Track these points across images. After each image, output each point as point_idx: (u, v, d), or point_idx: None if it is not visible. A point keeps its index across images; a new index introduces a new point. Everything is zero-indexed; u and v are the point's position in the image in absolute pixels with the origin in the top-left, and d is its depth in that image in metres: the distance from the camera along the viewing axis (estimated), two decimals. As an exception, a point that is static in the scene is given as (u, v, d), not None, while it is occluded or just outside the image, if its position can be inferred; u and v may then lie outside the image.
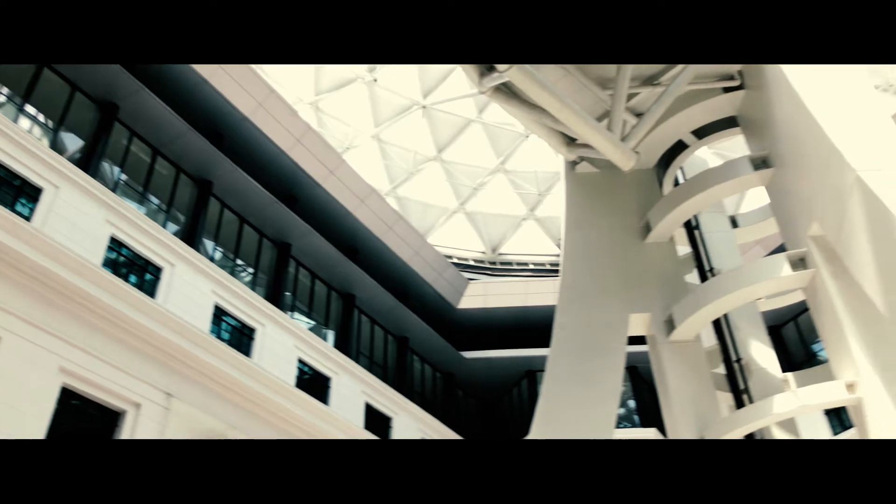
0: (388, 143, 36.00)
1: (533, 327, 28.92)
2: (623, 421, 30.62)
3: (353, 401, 22.91)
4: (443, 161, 37.06)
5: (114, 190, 18.14)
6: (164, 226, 19.14)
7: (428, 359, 29.52)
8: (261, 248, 23.01)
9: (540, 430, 11.52)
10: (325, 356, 22.45)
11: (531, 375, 30.01)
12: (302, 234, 23.55)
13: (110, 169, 18.85)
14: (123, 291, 15.36)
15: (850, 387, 8.98)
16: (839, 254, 9.44)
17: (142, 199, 19.39)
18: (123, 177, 19.11)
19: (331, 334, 25.02)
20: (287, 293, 23.53)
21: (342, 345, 24.43)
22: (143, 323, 15.67)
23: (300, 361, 21.50)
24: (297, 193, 23.78)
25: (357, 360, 24.39)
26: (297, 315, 23.85)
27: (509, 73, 10.21)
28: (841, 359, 9.35)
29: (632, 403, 30.89)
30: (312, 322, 24.56)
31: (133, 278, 17.12)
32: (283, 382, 18.96)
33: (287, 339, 21.10)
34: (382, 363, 26.91)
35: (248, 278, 22.47)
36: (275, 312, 20.78)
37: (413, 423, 25.49)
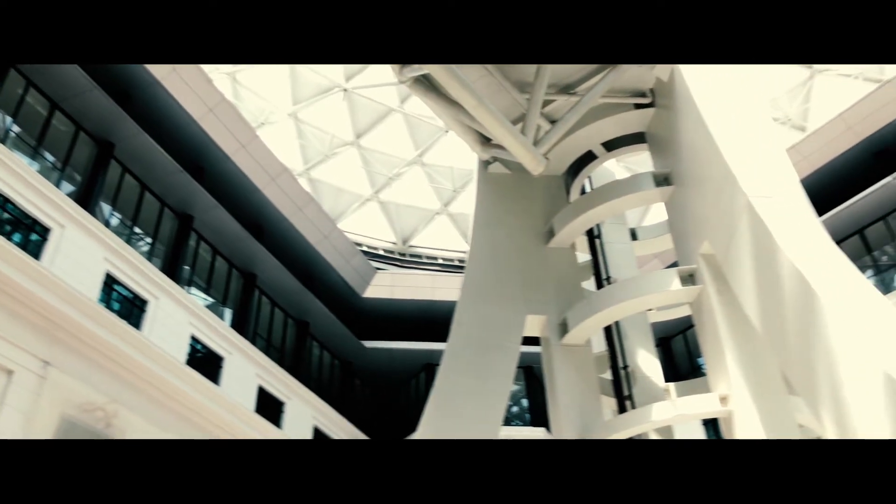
0: (305, 122, 35.35)
1: (437, 322, 29.06)
2: (515, 419, 31.28)
3: (246, 383, 22.42)
4: (360, 147, 36.73)
5: (2, 141, 17.03)
6: (57, 185, 18.10)
7: (327, 345, 29.23)
8: (161, 217, 22.14)
9: (430, 421, 11.60)
10: (221, 335, 21.86)
11: (431, 369, 30.17)
12: (206, 208, 22.82)
13: (1, 118, 17.68)
14: (4, 249, 14.45)
15: (723, 400, 9.47)
16: (725, 273, 9.93)
17: (34, 155, 18.28)
18: (15, 128, 17.97)
19: (228, 313, 24.39)
20: (185, 267, 22.75)
21: (239, 325, 23.85)
22: (24, 285, 14.79)
23: (193, 339, 20.84)
24: (205, 165, 23.01)
25: (254, 342, 23.86)
26: (194, 290, 23.10)
27: (429, 66, 10.19)
28: (717, 373, 9.85)
29: (525, 402, 31.58)
30: (210, 299, 23.86)
31: (17, 237, 16.14)
32: (172, 359, 18.33)
33: (181, 314, 20.41)
34: (280, 347, 26.45)
35: (146, 248, 21.59)
36: (170, 286, 20.06)
37: (307, 409, 25.19)
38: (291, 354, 26.98)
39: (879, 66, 31.36)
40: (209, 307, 22.82)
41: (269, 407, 23.16)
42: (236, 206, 23.84)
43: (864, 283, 8.00)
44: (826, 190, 23.95)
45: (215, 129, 22.33)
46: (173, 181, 21.71)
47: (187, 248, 22.74)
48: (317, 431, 25.41)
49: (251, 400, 22.35)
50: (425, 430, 11.49)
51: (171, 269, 21.45)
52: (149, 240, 21.81)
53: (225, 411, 20.23)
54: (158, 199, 21.99)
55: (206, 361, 21.22)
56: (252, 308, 25.10)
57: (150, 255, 21.16)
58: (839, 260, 8.33)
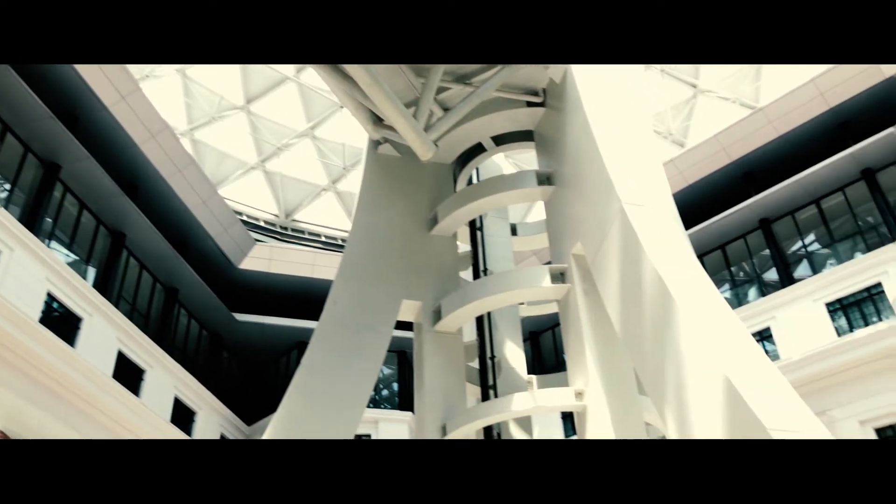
0: (193, 80, 33.80)
1: (314, 300, 28.59)
2: (385, 402, 31.41)
3: (105, 346, 21.28)
4: (250, 112, 35.55)
5: None
6: None
7: (197, 315, 28.20)
8: (24, 163, 20.54)
9: (294, 396, 11.42)
10: (81, 295, 20.62)
11: (303, 347, 29.59)
12: (76, 158, 21.38)
13: None
14: None
15: (579, 395, 9.89)
16: (593, 274, 10.33)
17: None
18: None
19: (92, 272, 23.02)
20: (48, 219, 21.26)
21: (102, 286, 22.56)
22: None
23: (50, 296, 19.55)
24: (79, 113, 21.54)
25: (117, 305, 22.65)
26: (55, 245, 21.63)
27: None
28: (576, 369, 10.26)
29: (395, 386, 31.76)
30: (73, 256, 22.43)
31: None
32: (24, 316, 17.10)
33: (38, 269, 19.07)
34: (145, 312, 25.27)
35: (3, 194, 20.00)
36: (28, 237, 18.69)
37: (169, 379, 24.25)
38: (157, 322, 25.84)
39: (755, 93, 33.61)
40: (71, 265, 21.45)
41: (128, 374, 22.10)
42: (110, 160, 22.48)
43: (716, 294, 8.54)
44: (696, 205, 25.46)
45: (94, 76, 20.94)
46: (42, 127, 20.19)
47: (51, 199, 21.24)
48: (177, 402, 24.52)
49: (109, 365, 21.26)
50: (288, 405, 11.31)
51: (31, 219, 19.98)
52: (7, 186, 20.20)
53: (80, 375, 19.12)
54: (22, 143, 20.39)
55: (63, 322, 19.96)
56: (118, 269, 23.80)
57: (7, 203, 19.62)
58: (698, 272, 8.85)
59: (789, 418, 6.34)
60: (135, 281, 24.98)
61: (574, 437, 18.21)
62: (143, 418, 21.61)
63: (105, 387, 20.15)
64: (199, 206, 25.93)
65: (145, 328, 24.06)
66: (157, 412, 22.48)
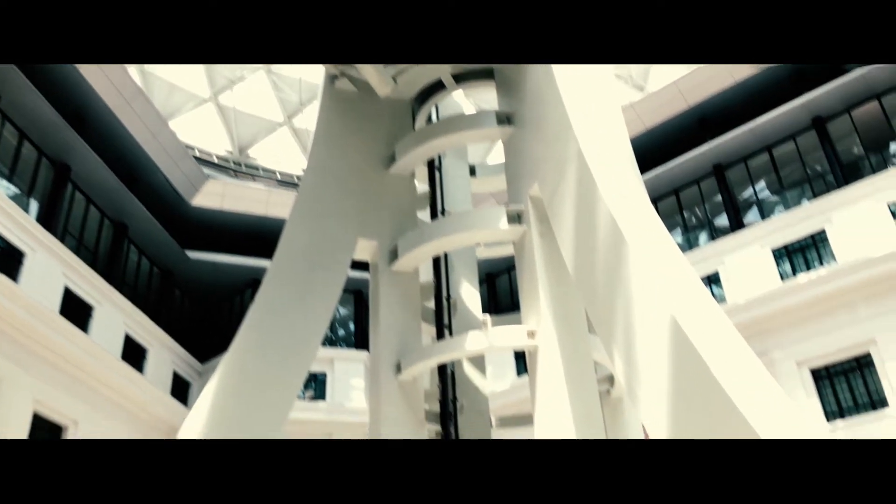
0: (142, 8, 32.30)
1: (269, 238, 28.18)
2: (341, 341, 31.56)
3: (50, 282, 20.78)
4: (202, 45, 34.24)
5: None
6: None
7: (147, 252, 27.65)
8: (-42, 90, 19.56)
9: (246, 335, 11.34)
10: (23, 228, 19.99)
11: (257, 286, 29.41)
12: (17, 87, 20.44)
13: None
14: None
15: (531, 334, 10.04)
16: (549, 216, 10.38)
17: None
18: None
19: (35, 206, 22.29)
20: (-14, 150, 20.41)
21: (46, 220, 21.89)
22: None
23: (-10, 229, 18.93)
24: (18, 38, 20.45)
25: (62, 240, 22.05)
26: (-6, 177, 20.84)
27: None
28: (529, 309, 10.39)
29: (352, 326, 31.88)
30: (14, 189, 21.64)
31: None
32: (-38, 249, 16.54)
33: (-24, 201, 18.38)
34: (93, 248, 24.66)
35: (-63, 123, 19.07)
36: (-35, 168, 17.93)
37: (119, 316, 23.88)
38: (106, 257, 25.28)
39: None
40: (12, 198, 20.71)
41: (75, 310, 21.69)
42: (53, 89, 21.53)
43: (668, 238, 8.68)
44: (652, 149, 25.67)
45: None
46: (-24, 50, 19.14)
47: (-11, 128, 20.34)
48: (128, 339, 24.24)
49: (56, 300, 20.81)
50: (241, 343, 11.24)
51: (-32, 149, 19.15)
52: (-59, 113, 19.25)
53: (24, 311, 18.70)
54: (-44, 68, 19.37)
55: (4, 256, 19.37)
56: (63, 203, 23.08)
57: (-59, 131, 18.73)
58: (651, 216, 8.96)
59: (731, 359, 6.55)
60: (81, 215, 24.27)
61: (526, 377, 18.51)
62: (93, 355, 21.34)
63: (52, 323, 19.77)
64: (149, 139, 25.14)
65: (93, 264, 23.53)
66: (107, 349, 22.21)
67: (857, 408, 20.89)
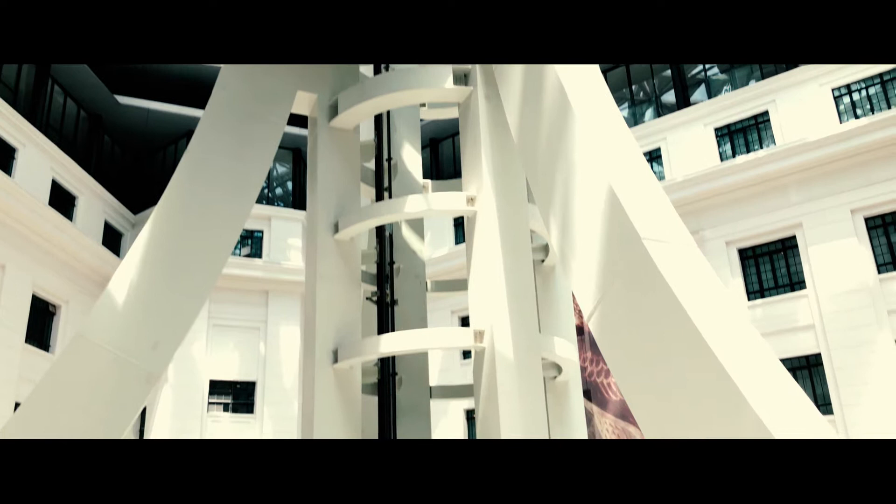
0: None
1: (205, 87, 26.91)
2: (279, 201, 31.11)
3: (-33, 120, 19.53)
4: None
5: None
6: None
7: (73, 93, 26.11)
8: None
9: (179, 185, 10.91)
10: (-67, 59, 18.45)
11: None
12: None
13: None
14: None
15: (471, 200, 9.95)
16: (496, 79, 10.04)
17: None
18: None
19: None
20: None
21: (-41, 51, 20.23)
22: None
23: None
24: None
25: (-22, 75, 20.55)
26: None
27: None
28: (471, 176, 10.25)
29: (290, 185, 31.37)
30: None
31: None
32: None
33: None
34: (13, 87, 23.14)
35: None
36: None
37: (44, 160, 22.83)
38: (28, 96, 23.79)
39: None
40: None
41: (-5, 152, 20.61)
42: None
43: (615, 110, 8.51)
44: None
45: None
46: None
47: None
48: (55, 185, 23.33)
49: (-27, 141, 19.68)
50: (173, 193, 10.83)
51: None
52: None
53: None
54: None
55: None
56: (-23, 34, 21.30)
57: None
58: (599, 85, 8.73)
59: (663, 231, 6.62)
60: None
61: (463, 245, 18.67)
62: (18, 199, 20.52)
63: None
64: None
65: (14, 103, 22.13)
66: (33, 194, 21.36)
67: (777, 289, 22.03)
